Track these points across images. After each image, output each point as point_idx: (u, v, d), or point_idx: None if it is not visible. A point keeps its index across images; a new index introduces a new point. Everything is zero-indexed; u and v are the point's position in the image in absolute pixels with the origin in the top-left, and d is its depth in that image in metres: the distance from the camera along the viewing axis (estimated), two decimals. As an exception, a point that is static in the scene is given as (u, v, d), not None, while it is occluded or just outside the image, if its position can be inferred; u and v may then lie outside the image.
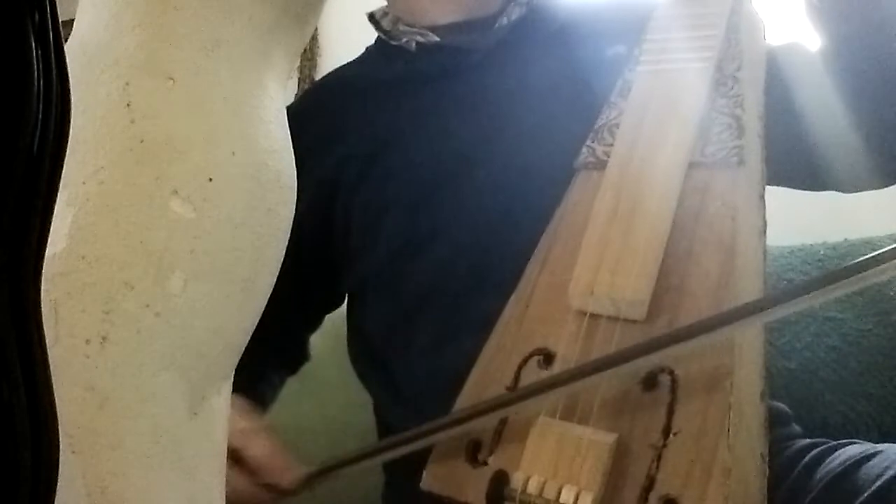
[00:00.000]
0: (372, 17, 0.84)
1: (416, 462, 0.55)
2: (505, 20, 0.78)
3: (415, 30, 0.80)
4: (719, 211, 0.54)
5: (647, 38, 0.65)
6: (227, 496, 0.52)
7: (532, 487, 0.47)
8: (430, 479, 0.53)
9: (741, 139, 0.56)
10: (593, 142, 0.62)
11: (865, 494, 0.54)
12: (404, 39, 0.80)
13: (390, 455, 0.57)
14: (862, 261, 0.42)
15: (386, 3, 0.84)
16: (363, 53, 0.86)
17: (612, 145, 0.60)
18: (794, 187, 0.74)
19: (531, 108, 0.74)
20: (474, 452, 0.52)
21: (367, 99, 0.80)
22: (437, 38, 0.79)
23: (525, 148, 0.72)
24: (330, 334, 0.94)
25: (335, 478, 0.60)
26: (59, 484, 0.21)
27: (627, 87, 0.63)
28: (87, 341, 0.32)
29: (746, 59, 0.61)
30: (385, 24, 0.83)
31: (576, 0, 0.85)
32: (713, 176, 0.56)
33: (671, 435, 0.47)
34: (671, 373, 0.49)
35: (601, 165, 0.60)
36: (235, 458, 0.60)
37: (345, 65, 0.87)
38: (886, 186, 0.70)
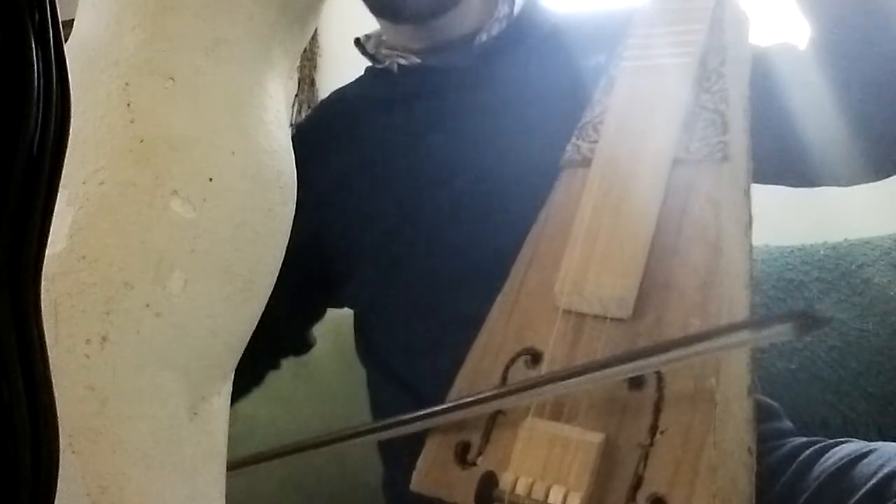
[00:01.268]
0: (357, 42, 0.86)
1: (414, 456, 0.55)
2: (485, 36, 0.79)
3: (397, 52, 0.82)
4: (704, 207, 0.54)
5: (630, 34, 0.64)
6: None
7: (520, 488, 0.47)
8: (419, 481, 0.53)
9: (725, 135, 0.56)
10: (578, 139, 0.62)
11: (861, 492, 0.54)
12: (387, 62, 0.81)
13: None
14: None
15: (378, 25, 0.85)
16: (362, 74, 0.88)
17: (596, 142, 0.60)
18: (791, 185, 0.74)
19: (514, 118, 0.75)
20: (463, 453, 0.53)
21: (359, 117, 0.83)
22: (419, 60, 0.80)
23: (508, 155, 0.73)
24: (330, 334, 0.94)
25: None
26: (59, 484, 0.21)
27: (611, 83, 0.63)
28: (87, 341, 0.32)
29: (730, 54, 0.60)
30: (369, 47, 0.84)
31: (557, 12, 0.85)
32: (698, 172, 0.56)
33: (658, 433, 0.47)
34: (657, 371, 0.49)
35: (586, 163, 0.60)
36: None
37: (344, 85, 0.90)
38: (882, 178, 0.70)
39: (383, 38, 0.85)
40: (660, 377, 0.48)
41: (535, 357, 0.54)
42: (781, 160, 0.69)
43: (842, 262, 1.06)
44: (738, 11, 0.64)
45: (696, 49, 0.60)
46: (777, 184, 0.73)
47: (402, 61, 0.81)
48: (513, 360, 0.54)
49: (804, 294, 1.05)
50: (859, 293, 1.03)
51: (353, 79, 0.89)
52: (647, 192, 0.55)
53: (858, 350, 1.00)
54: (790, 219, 1.07)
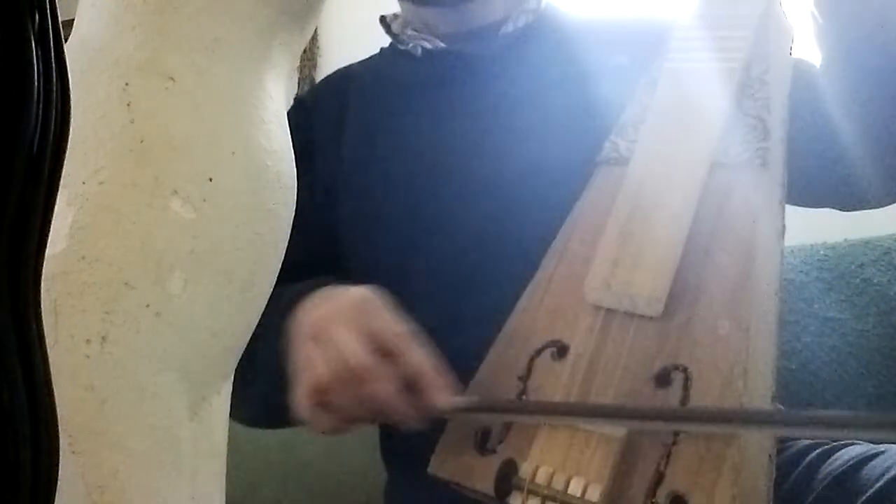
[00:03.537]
0: (383, 20, 0.85)
1: (419, 460, 0.55)
2: (511, 27, 0.79)
3: (422, 36, 0.81)
4: (740, 212, 0.54)
5: (674, 36, 0.64)
6: (361, 398, 0.52)
7: (541, 477, 0.47)
8: (437, 465, 0.53)
9: (766, 142, 0.56)
10: (617, 137, 0.62)
11: (867, 494, 0.54)
12: (411, 45, 0.81)
13: (538, 419, 0.52)
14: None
15: (399, 8, 0.85)
16: (376, 54, 0.87)
17: (635, 141, 0.60)
18: (835, 207, 0.74)
19: (534, 111, 0.75)
20: (483, 440, 0.52)
21: (373, 97, 0.82)
22: (444, 45, 0.80)
23: (527, 148, 0.73)
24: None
25: (479, 419, 0.54)
26: (59, 484, 0.21)
27: (653, 84, 0.63)
28: (87, 341, 0.32)
29: (774, 62, 0.60)
30: (395, 28, 0.84)
31: (582, 11, 0.86)
32: (736, 177, 0.55)
33: (682, 432, 0.47)
34: (685, 370, 0.49)
35: (623, 161, 0.60)
36: (388, 357, 0.53)
37: (356, 62, 0.88)
38: None
39: (409, 20, 0.85)
40: (687, 376, 0.48)
41: (561, 350, 0.54)
42: (826, 179, 0.69)
43: (842, 262, 1.06)
44: (783, 21, 0.64)
45: (742, 55, 0.60)
46: (822, 206, 0.73)
47: (427, 45, 0.81)
48: (538, 352, 0.54)
49: (804, 294, 1.06)
50: (859, 293, 1.03)
51: None
52: (684, 193, 0.55)
53: (858, 350, 1.00)
54: (790, 219, 1.07)
